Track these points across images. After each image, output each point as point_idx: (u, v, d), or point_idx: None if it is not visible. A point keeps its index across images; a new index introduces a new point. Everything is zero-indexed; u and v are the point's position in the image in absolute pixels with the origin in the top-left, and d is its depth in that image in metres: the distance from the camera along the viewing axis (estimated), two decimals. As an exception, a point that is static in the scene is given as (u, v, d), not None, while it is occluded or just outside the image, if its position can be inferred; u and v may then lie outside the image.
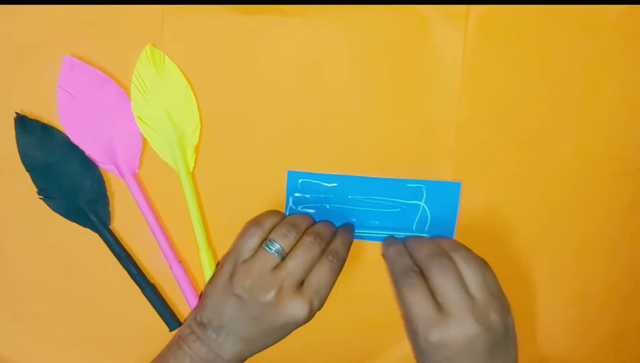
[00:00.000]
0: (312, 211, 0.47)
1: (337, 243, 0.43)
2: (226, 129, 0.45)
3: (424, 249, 0.42)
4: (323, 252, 0.42)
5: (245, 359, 0.44)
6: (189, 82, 0.44)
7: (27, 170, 0.45)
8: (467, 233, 0.47)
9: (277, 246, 0.41)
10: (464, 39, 0.44)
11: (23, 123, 0.44)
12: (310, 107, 0.45)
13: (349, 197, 0.46)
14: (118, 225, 0.46)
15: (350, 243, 0.45)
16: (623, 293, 0.51)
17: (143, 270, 0.47)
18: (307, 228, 0.43)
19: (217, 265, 0.46)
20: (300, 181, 0.46)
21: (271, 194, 0.47)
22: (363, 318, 0.50)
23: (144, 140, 0.45)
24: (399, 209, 0.47)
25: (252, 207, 0.46)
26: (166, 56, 0.44)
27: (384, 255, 0.46)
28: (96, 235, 0.46)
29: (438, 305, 0.39)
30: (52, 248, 0.46)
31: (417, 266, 0.42)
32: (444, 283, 0.40)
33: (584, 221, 0.49)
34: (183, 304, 0.47)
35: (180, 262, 0.46)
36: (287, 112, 0.45)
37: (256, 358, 0.48)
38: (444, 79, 0.45)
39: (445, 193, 0.46)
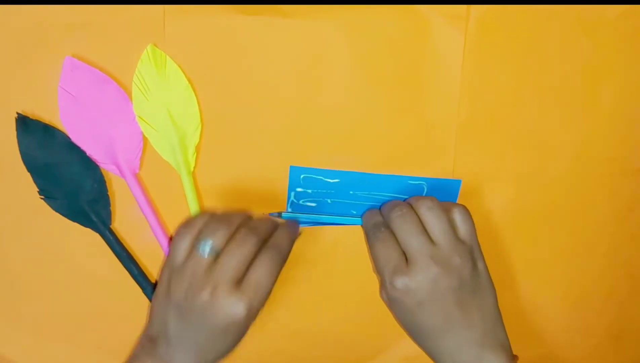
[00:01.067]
0: (313, 205, 0.47)
1: (278, 237, 0.41)
2: (227, 129, 0.45)
3: (389, 204, 0.43)
4: (261, 246, 0.39)
5: None
6: (190, 81, 0.44)
7: (28, 171, 0.45)
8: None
9: (208, 245, 0.38)
10: (464, 38, 0.44)
11: (24, 123, 0.44)
12: (311, 107, 0.45)
13: (350, 192, 0.47)
14: (119, 225, 0.46)
15: (294, 238, 0.42)
16: (622, 293, 0.51)
17: (144, 270, 0.47)
18: (240, 223, 0.40)
19: (158, 274, 0.44)
20: (302, 176, 0.46)
21: (272, 194, 0.47)
22: (363, 318, 0.50)
23: (145, 140, 0.45)
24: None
25: (253, 206, 0.46)
26: (167, 56, 0.44)
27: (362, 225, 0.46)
28: (97, 235, 0.46)
29: (403, 254, 0.40)
30: (53, 248, 0.46)
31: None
32: (403, 231, 0.41)
33: (583, 221, 0.49)
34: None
35: (181, 261, 0.46)
36: (288, 111, 0.45)
37: (255, 359, 0.48)
38: (444, 78, 0.45)
39: (446, 190, 0.46)
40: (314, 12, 0.44)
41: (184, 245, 0.39)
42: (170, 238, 0.46)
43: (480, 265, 0.42)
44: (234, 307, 0.37)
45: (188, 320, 0.38)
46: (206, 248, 0.38)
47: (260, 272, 0.38)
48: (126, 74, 0.44)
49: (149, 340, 0.40)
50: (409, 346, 0.48)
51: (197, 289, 0.38)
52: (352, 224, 0.47)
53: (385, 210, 0.43)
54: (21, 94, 0.44)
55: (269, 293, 0.39)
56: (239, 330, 0.39)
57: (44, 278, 0.47)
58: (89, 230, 0.46)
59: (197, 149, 0.45)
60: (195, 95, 0.45)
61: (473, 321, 0.40)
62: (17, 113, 0.44)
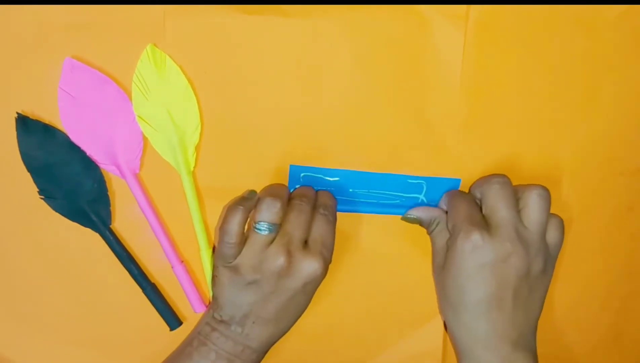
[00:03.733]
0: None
1: (323, 198, 0.44)
2: (227, 129, 0.45)
3: (487, 176, 0.43)
4: (314, 210, 0.43)
5: (273, 343, 0.44)
6: (190, 81, 0.44)
7: (28, 171, 0.45)
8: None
9: (266, 224, 0.41)
10: (464, 38, 0.44)
11: (24, 123, 0.44)
12: (311, 107, 0.45)
13: (350, 190, 0.47)
14: (119, 225, 0.46)
15: (334, 198, 0.45)
16: (622, 293, 0.51)
17: (144, 270, 0.47)
18: (287, 195, 0.44)
19: (213, 266, 0.45)
20: (302, 175, 0.46)
21: (272, 194, 0.47)
22: (365, 317, 0.50)
23: (145, 140, 0.45)
24: (398, 201, 0.47)
25: (253, 207, 0.46)
26: (167, 56, 0.44)
27: (410, 213, 0.46)
28: (97, 235, 0.46)
29: (487, 220, 0.40)
30: (53, 248, 0.46)
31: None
32: (498, 200, 0.40)
33: (583, 221, 0.49)
34: (184, 304, 0.47)
35: (182, 261, 0.46)
36: (289, 111, 0.45)
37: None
38: (444, 78, 0.45)
39: (445, 189, 0.46)
40: (314, 12, 0.44)
41: (234, 227, 0.41)
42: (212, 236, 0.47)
43: (549, 273, 0.41)
44: (312, 265, 0.41)
45: (266, 292, 0.41)
46: (264, 226, 0.41)
47: (321, 229, 0.42)
48: (126, 74, 0.44)
49: (219, 322, 0.43)
50: (411, 345, 0.48)
51: (272, 260, 0.40)
52: (350, 211, 0.47)
53: (481, 181, 0.43)
54: (21, 94, 0.44)
55: (332, 246, 0.43)
56: (315, 287, 0.42)
57: (44, 279, 0.47)
58: (89, 230, 0.46)
59: (197, 148, 0.45)
60: (195, 95, 0.45)
61: (518, 317, 0.40)
62: (17, 113, 0.44)
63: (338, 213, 0.47)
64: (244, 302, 0.42)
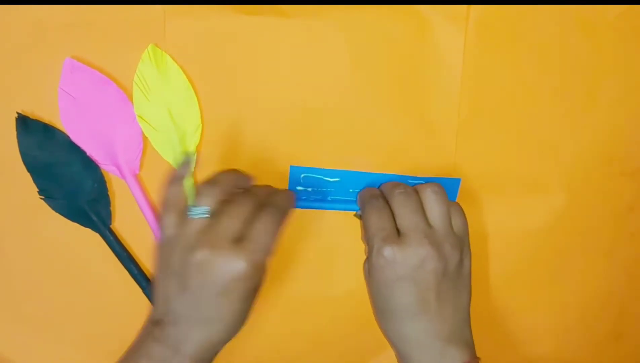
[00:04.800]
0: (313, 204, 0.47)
1: (277, 197, 0.40)
2: (227, 129, 0.45)
3: (390, 183, 0.44)
4: (260, 207, 0.38)
5: (210, 352, 0.39)
6: (190, 81, 0.44)
7: (28, 170, 0.45)
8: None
9: (200, 209, 0.38)
10: (464, 38, 0.44)
11: (24, 123, 0.44)
12: (311, 107, 0.45)
13: (350, 190, 0.47)
14: (119, 225, 0.46)
15: (293, 200, 0.41)
16: (622, 293, 0.51)
17: (144, 270, 0.47)
18: (232, 185, 0.40)
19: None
20: (302, 176, 0.46)
21: (272, 194, 0.47)
22: (362, 317, 0.50)
23: (145, 140, 0.45)
24: None
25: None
26: (168, 56, 0.44)
27: (358, 212, 0.46)
28: (97, 235, 0.46)
29: (397, 228, 0.41)
30: (52, 248, 0.46)
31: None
32: (403, 208, 0.41)
33: (583, 221, 0.49)
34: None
35: (181, 261, 0.46)
36: (289, 111, 0.45)
37: (255, 358, 0.48)
38: (444, 78, 0.45)
39: (446, 189, 0.46)
40: (314, 12, 0.44)
41: (172, 218, 0.38)
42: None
43: (466, 262, 0.42)
44: (234, 262, 0.36)
45: (189, 285, 0.37)
46: (197, 210, 0.37)
47: (259, 227, 0.37)
48: (126, 74, 0.44)
49: (154, 324, 0.39)
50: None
51: (194, 249, 0.37)
52: (348, 210, 0.47)
53: (387, 187, 0.43)
54: (21, 94, 0.44)
55: (269, 249, 0.38)
56: (242, 290, 0.37)
57: (43, 278, 0.47)
58: (88, 230, 0.46)
59: (198, 148, 0.45)
60: (196, 95, 0.45)
61: (445, 314, 0.40)
62: (17, 113, 0.44)
63: (338, 213, 0.47)
64: (171, 299, 0.38)
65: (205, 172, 0.46)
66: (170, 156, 0.45)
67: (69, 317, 0.47)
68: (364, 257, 0.48)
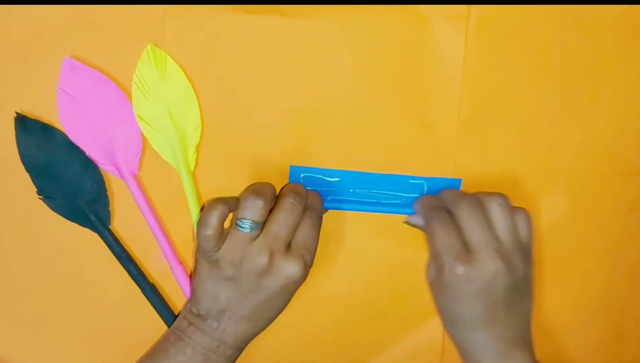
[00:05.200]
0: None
1: (312, 200, 0.44)
2: (227, 129, 0.45)
3: (454, 193, 0.44)
4: (303, 211, 0.43)
5: (249, 340, 0.44)
6: (190, 81, 0.44)
7: (27, 170, 0.44)
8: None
9: (248, 222, 0.41)
10: (464, 38, 0.44)
11: (23, 123, 0.44)
12: (311, 107, 0.45)
13: (351, 190, 0.47)
14: (118, 225, 0.46)
15: (322, 200, 0.45)
16: (622, 293, 0.51)
17: (143, 270, 0.46)
18: (278, 191, 0.44)
19: (194, 258, 0.45)
20: (302, 176, 0.46)
21: (272, 194, 0.47)
22: (364, 317, 0.50)
23: (145, 140, 0.45)
24: (399, 201, 0.47)
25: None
26: (167, 56, 0.44)
27: (409, 219, 0.46)
28: (96, 235, 0.46)
29: (464, 242, 0.41)
30: (52, 248, 0.46)
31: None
32: (471, 220, 0.41)
33: (583, 221, 0.49)
34: (183, 304, 0.47)
35: (181, 262, 0.46)
36: (289, 111, 0.45)
37: (256, 358, 0.48)
38: (445, 78, 0.45)
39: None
40: (314, 12, 0.44)
41: (212, 223, 0.41)
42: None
43: (530, 269, 0.42)
44: (293, 267, 0.41)
45: (244, 289, 0.41)
46: (246, 223, 0.41)
47: (306, 233, 0.42)
48: (126, 74, 0.44)
49: (196, 316, 0.43)
50: (410, 342, 0.48)
51: (254, 259, 0.41)
52: (349, 209, 0.47)
53: (451, 198, 0.43)
54: (20, 94, 0.44)
55: (315, 251, 0.43)
56: (294, 290, 0.43)
57: (42, 279, 0.47)
58: (87, 230, 0.45)
59: (197, 148, 0.45)
60: (196, 94, 0.44)
61: (512, 321, 0.41)
62: (16, 112, 0.44)
63: (338, 213, 0.47)
64: (222, 297, 0.42)
65: (205, 172, 0.46)
66: (170, 156, 0.45)
67: (68, 317, 0.47)
68: (365, 257, 0.48)
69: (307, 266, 0.42)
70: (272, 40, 0.44)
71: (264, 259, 0.40)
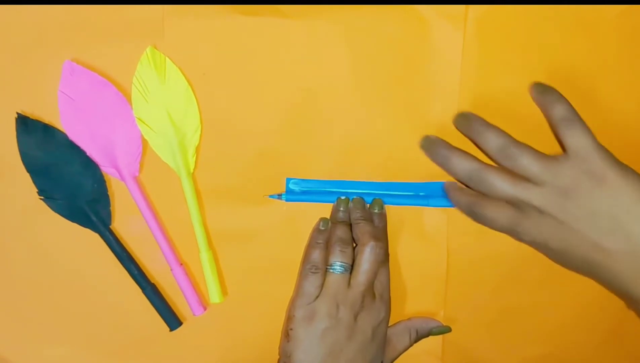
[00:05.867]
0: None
1: (382, 237, 0.45)
2: (227, 130, 0.45)
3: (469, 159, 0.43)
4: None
5: None
6: (189, 83, 0.44)
7: (28, 171, 0.45)
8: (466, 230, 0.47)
9: (341, 265, 0.43)
10: (463, 39, 0.44)
11: (24, 123, 0.44)
12: (310, 107, 0.45)
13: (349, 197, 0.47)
14: (118, 225, 0.47)
15: (386, 232, 0.46)
16: (623, 293, 0.51)
17: (144, 270, 0.47)
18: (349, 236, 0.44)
19: (287, 313, 0.45)
20: (299, 189, 0.46)
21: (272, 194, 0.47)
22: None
23: (144, 142, 0.45)
24: (399, 201, 0.47)
25: (253, 208, 0.46)
26: (167, 58, 0.44)
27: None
28: (97, 235, 0.46)
29: (511, 204, 0.41)
30: (52, 248, 0.46)
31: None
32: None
33: (583, 221, 0.49)
34: (184, 304, 0.47)
35: (181, 264, 0.46)
36: (288, 111, 0.45)
37: (255, 358, 0.48)
38: (443, 79, 0.45)
39: (445, 193, 0.46)
40: (314, 12, 0.44)
41: (318, 259, 0.43)
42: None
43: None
44: (381, 311, 0.43)
45: (342, 339, 0.42)
46: (338, 268, 0.43)
47: (383, 279, 0.44)
48: (125, 75, 0.44)
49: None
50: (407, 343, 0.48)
51: (351, 304, 0.42)
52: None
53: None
54: (21, 94, 0.44)
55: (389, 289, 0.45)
56: (383, 333, 0.44)
57: (43, 278, 0.47)
58: (88, 230, 0.46)
59: (197, 150, 0.45)
60: (195, 96, 0.45)
61: None
62: (17, 113, 0.44)
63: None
64: (320, 351, 0.42)
65: (205, 172, 0.46)
66: (170, 158, 0.45)
67: (68, 317, 0.47)
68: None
69: (389, 309, 0.44)
70: (272, 40, 0.44)
71: (358, 305, 0.42)
